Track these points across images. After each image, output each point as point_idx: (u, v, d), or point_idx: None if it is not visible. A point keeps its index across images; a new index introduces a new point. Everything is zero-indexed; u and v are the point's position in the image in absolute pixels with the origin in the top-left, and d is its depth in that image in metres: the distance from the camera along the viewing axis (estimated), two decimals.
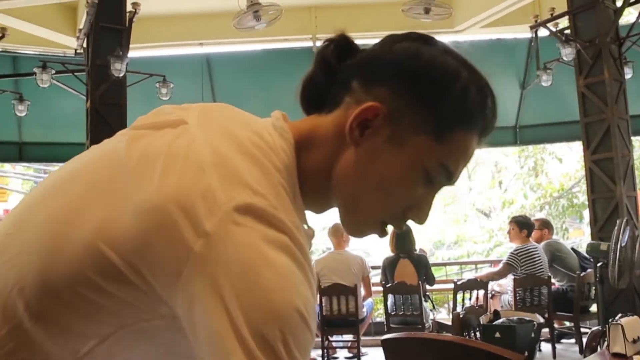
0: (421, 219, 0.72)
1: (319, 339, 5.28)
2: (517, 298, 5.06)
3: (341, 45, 0.74)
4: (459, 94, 0.70)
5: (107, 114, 4.89)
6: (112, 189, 0.63)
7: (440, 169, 0.70)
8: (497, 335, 2.98)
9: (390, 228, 0.74)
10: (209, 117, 0.69)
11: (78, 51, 5.45)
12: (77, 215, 0.63)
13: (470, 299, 5.10)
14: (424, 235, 12.95)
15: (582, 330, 5.10)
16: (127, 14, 4.74)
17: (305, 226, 0.70)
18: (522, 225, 5.34)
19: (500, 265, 5.28)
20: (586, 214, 11.50)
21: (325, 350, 5.22)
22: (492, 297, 5.33)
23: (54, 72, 4.82)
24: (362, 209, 0.71)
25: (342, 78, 0.72)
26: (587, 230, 13.32)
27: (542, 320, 3.11)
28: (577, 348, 5.09)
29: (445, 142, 0.69)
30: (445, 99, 0.69)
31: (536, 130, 7.07)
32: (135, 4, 4.70)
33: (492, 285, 5.45)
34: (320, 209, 0.75)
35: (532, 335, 3.00)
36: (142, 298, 0.61)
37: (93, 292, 0.61)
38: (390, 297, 5.11)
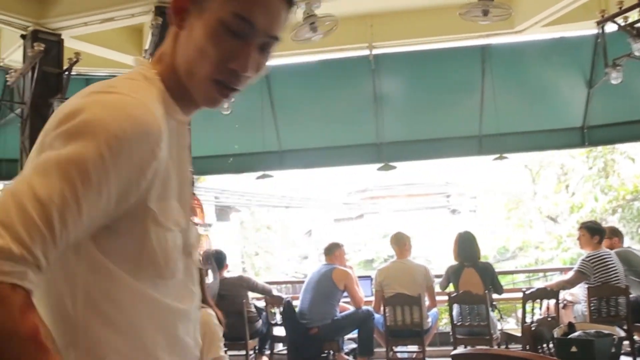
0: (243, 67, 0.88)
1: (384, 350, 5.24)
2: (592, 308, 4.82)
3: None
4: None
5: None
6: None
7: (237, 20, 0.86)
8: (574, 349, 2.85)
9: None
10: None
11: None
12: None
13: (540, 308, 4.91)
14: (487, 242, 12.60)
15: None
16: None
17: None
18: (593, 231, 5.09)
19: (571, 273, 5.04)
20: None
21: None
22: (564, 307, 5.11)
23: None
24: (194, 73, 0.89)
25: None
26: None
27: (622, 333, 2.94)
28: None
29: None
30: None
31: (606, 130, 6.73)
32: None
33: (564, 295, 5.22)
34: (193, 102, 0.95)
35: (613, 349, 2.85)
36: None
37: None
38: (455, 307, 5.00)
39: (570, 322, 3.14)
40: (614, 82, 5.18)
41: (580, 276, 4.91)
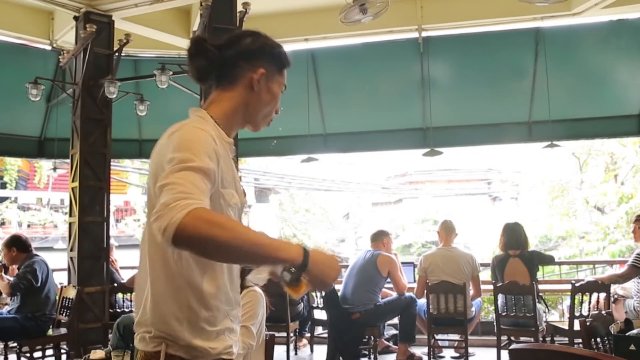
0: (277, 111, 1.60)
1: (425, 337, 5.20)
2: None
3: (210, 44, 1.51)
4: (279, 53, 1.55)
5: None
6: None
7: (282, 86, 1.56)
8: (632, 347, 2.74)
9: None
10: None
11: None
12: None
13: (589, 302, 4.78)
14: (528, 231, 12.28)
15: None
16: (238, 14, 4.87)
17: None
18: None
19: (625, 267, 4.86)
20: None
21: (431, 349, 5.12)
22: (615, 301, 4.95)
23: (171, 73, 5.07)
24: (264, 115, 1.56)
25: (228, 62, 1.52)
26: None
27: None
28: None
29: (282, 74, 1.56)
30: (277, 56, 1.55)
31: None
32: (245, 4, 4.82)
33: (615, 288, 5.05)
34: (235, 130, 1.56)
35: None
36: None
37: None
38: (500, 297, 4.91)
39: (627, 319, 3.00)
40: None
41: (635, 271, 4.73)
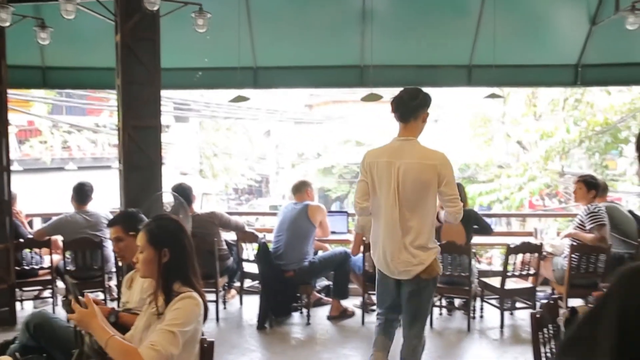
0: None
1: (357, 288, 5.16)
2: (573, 264, 4.80)
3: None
4: None
5: (139, 50, 4.40)
6: None
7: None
8: None
9: None
10: None
11: None
12: None
13: (522, 262, 4.87)
14: (450, 157, 12.49)
15: None
16: None
17: None
18: (590, 185, 4.93)
19: (595, 231, 4.74)
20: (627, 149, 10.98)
21: (365, 305, 5.10)
22: (544, 259, 5.06)
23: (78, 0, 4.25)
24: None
25: (415, 109, 3.12)
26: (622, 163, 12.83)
27: None
28: None
29: None
30: None
31: (600, 70, 6.34)
32: None
33: (545, 246, 5.17)
34: None
35: None
36: None
37: None
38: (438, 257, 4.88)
39: (572, 308, 2.98)
40: (629, 27, 4.79)
41: (605, 227, 4.77)
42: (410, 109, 3.11)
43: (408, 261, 3.11)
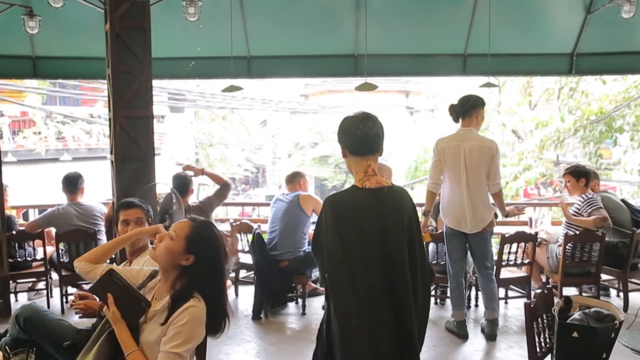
0: None
1: None
2: (567, 253, 4.80)
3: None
4: None
5: (129, 39, 4.34)
6: None
7: None
8: (575, 335, 2.72)
9: None
10: None
11: None
12: None
13: (516, 251, 4.86)
14: None
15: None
16: None
17: None
18: (578, 174, 4.94)
19: (597, 213, 4.76)
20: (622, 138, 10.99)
21: None
22: (539, 245, 5.06)
23: None
24: None
25: (468, 111, 4.29)
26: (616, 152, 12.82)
27: (621, 315, 2.82)
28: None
29: None
30: None
31: (595, 59, 6.33)
32: None
33: (540, 233, 5.18)
34: None
35: (612, 335, 2.73)
36: None
37: None
38: (431, 245, 4.89)
39: (567, 297, 2.99)
40: (625, 15, 4.77)
41: (604, 210, 4.77)
42: (461, 113, 4.34)
43: (481, 219, 4.20)
